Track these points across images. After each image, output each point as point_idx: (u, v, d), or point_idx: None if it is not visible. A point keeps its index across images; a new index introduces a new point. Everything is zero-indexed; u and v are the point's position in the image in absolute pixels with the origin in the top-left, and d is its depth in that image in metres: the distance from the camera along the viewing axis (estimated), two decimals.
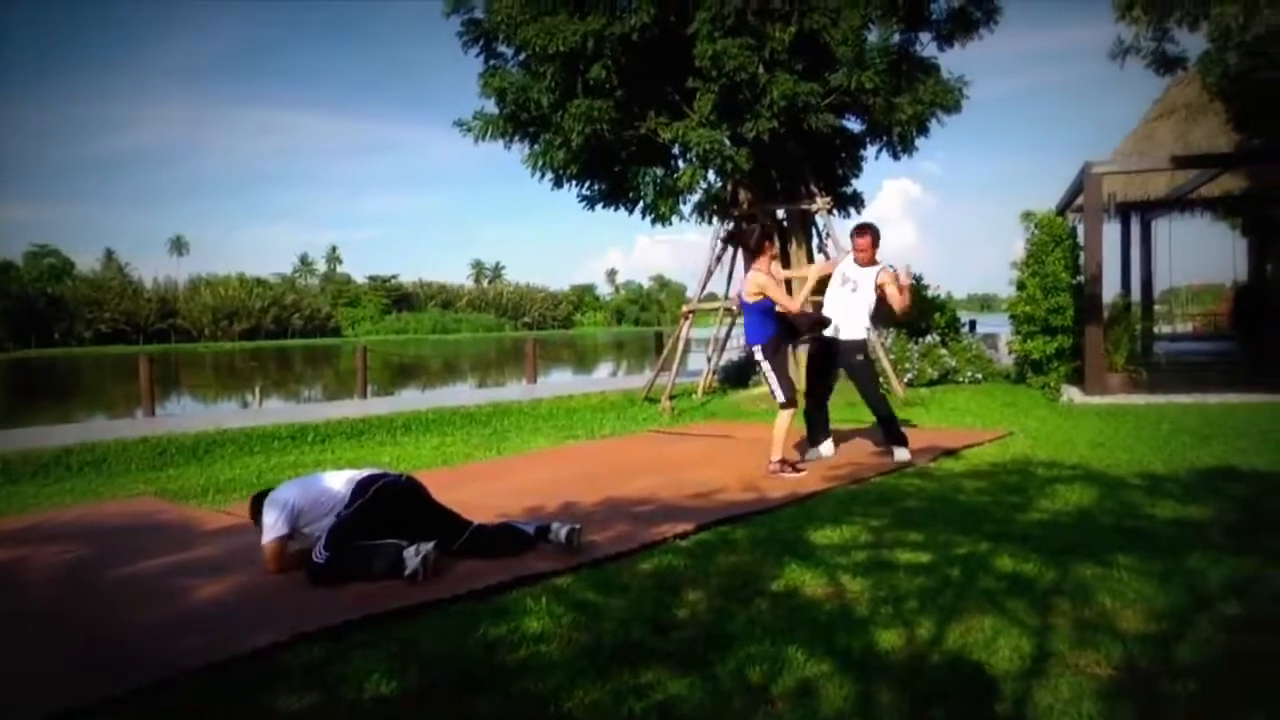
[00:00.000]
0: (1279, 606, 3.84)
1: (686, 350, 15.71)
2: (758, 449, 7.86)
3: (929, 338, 16.14)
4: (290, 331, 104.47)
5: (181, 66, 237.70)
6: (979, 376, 15.62)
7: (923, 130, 14.45)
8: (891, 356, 14.68)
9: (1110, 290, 15.76)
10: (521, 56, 13.70)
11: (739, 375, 16.24)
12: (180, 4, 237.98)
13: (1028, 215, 14.36)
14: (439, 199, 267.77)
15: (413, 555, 4.46)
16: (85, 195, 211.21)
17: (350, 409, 13.54)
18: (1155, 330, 22.05)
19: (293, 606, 4.16)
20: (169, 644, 3.74)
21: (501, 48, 14.07)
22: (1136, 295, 19.78)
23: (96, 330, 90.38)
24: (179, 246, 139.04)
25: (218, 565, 5.03)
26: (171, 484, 8.16)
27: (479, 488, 7.14)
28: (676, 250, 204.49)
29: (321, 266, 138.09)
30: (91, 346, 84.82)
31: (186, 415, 17.11)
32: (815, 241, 15.62)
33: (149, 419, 14.09)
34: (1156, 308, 23.77)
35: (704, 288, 15.61)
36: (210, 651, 3.55)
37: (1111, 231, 18.65)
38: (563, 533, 4.88)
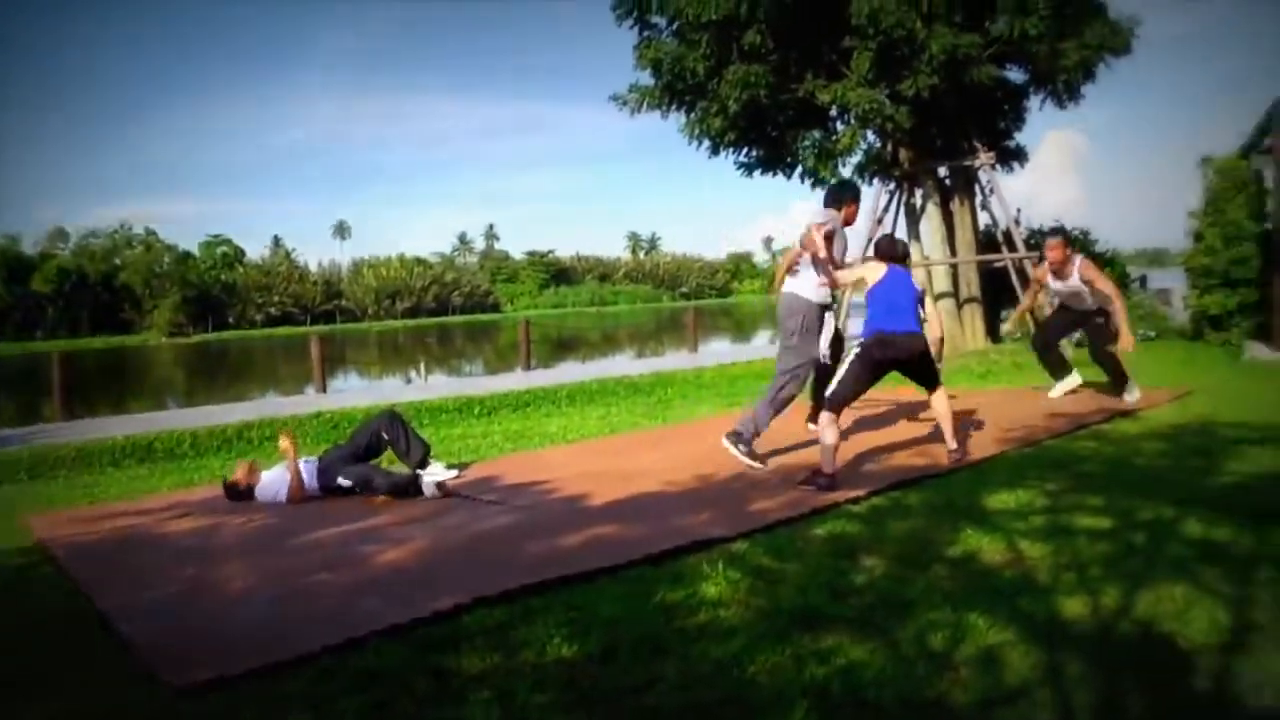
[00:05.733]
0: None
1: (849, 315, 15.53)
2: (929, 411, 7.71)
3: None
4: (451, 309, 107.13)
5: (333, 63, 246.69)
6: (1151, 334, 14.94)
7: (1089, 76, 13.93)
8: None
9: None
10: (675, 26, 13.74)
11: None
12: (329, 2, 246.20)
13: (1206, 161, 13.64)
14: (593, 174, 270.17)
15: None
16: (252, 190, 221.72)
17: (514, 381, 13.88)
18: None
19: (470, 571, 4.31)
20: (354, 605, 3.93)
21: (655, 18, 14.12)
22: None
23: (267, 313, 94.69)
24: (341, 231, 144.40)
25: (394, 532, 5.27)
26: None
27: (646, 456, 7.25)
28: None
29: (480, 244, 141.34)
30: (263, 329, 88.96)
31: (355, 391, 17.84)
32: (979, 199, 15.22)
33: (321, 395, 14.74)
34: None
35: (866, 250, 15.38)
36: (393, 613, 3.69)
37: None
38: (433, 484, 6.13)
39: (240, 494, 6.48)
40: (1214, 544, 4.07)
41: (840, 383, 6.10)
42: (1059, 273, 8.65)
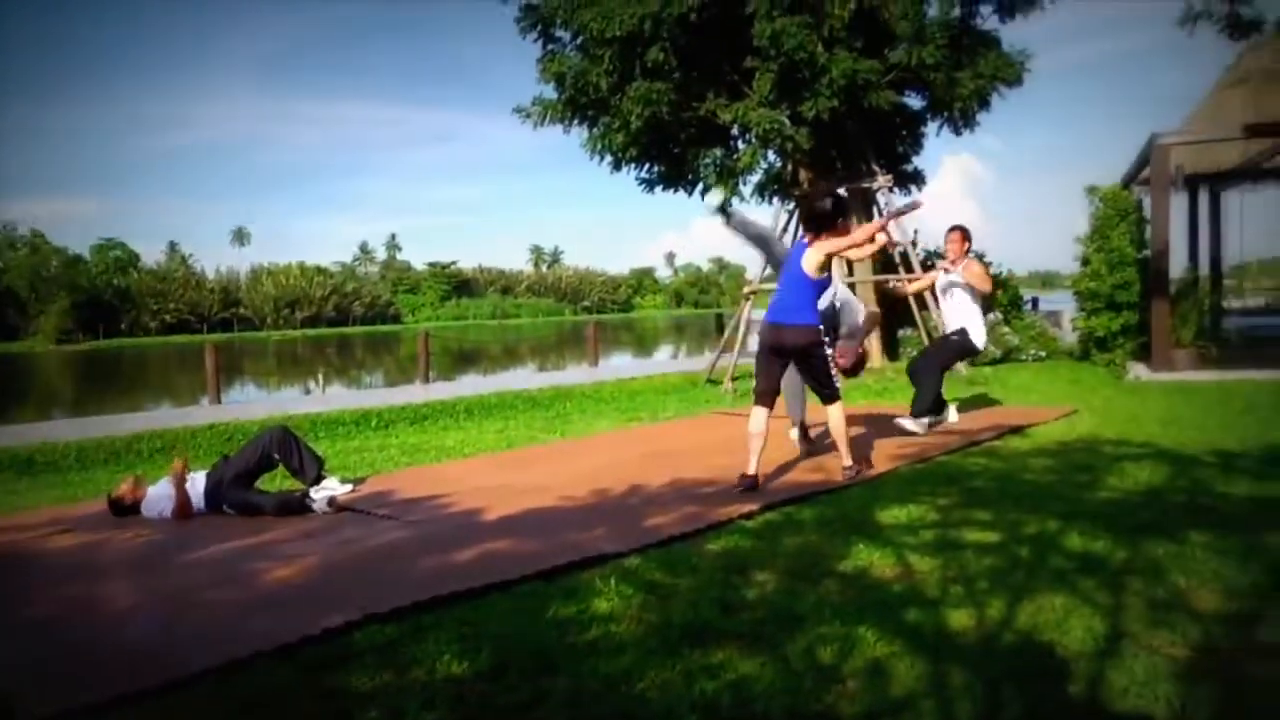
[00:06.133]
0: None
1: (748, 332, 15.68)
2: (821, 429, 7.82)
3: (991, 316, 15.94)
4: (351, 319, 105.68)
5: (240, 63, 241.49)
6: (1042, 354, 15.42)
7: (984, 105, 14.32)
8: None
9: (1178, 265, 15.46)
10: (579, 41, 13.77)
11: None
12: (237, 2, 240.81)
13: (1092, 189, 14.11)
14: (497, 186, 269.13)
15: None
16: (150, 190, 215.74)
17: (413, 394, 13.71)
18: (1225, 305, 21.56)
19: (362, 588, 4.22)
20: (240, 624, 3.81)
21: (559, 32, 14.15)
22: (1205, 270, 19.33)
23: (162, 321, 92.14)
24: (241, 237, 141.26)
25: (284, 548, 5.14)
26: None
27: (543, 470, 7.21)
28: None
29: (381, 254, 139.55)
30: (157, 337, 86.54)
31: (251, 402, 17.44)
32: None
33: (215, 406, 14.37)
34: (1226, 282, 23.22)
35: (765, 268, 15.55)
36: (281, 632, 3.60)
37: (1179, 204, 18.23)
38: (324, 501, 6.02)
39: (125, 509, 6.25)
40: (1093, 556, 4.19)
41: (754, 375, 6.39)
42: (951, 267, 8.49)
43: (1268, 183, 19.89)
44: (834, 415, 6.37)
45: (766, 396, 6.34)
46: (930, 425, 8.10)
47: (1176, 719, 2.69)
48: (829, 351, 6.33)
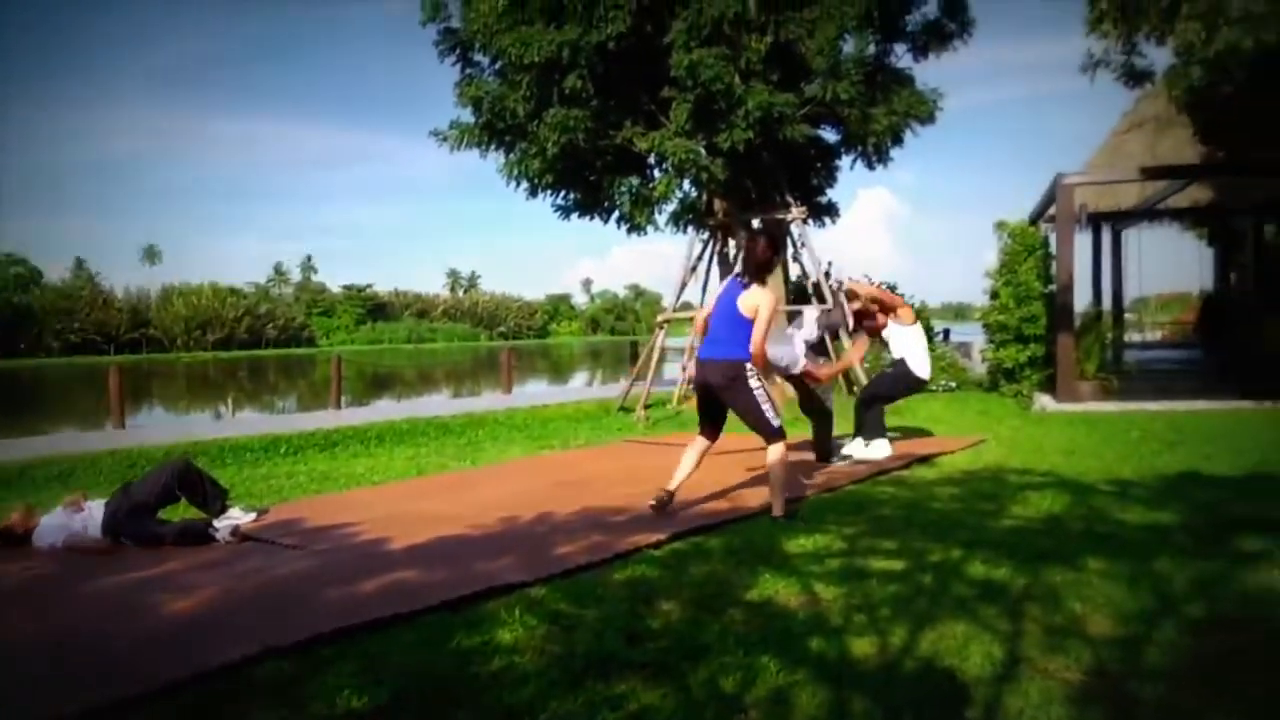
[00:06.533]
0: (1243, 607, 3.89)
1: (662, 359, 15.74)
2: (734, 460, 7.88)
3: None
4: (265, 341, 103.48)
5: (150, 76, 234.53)
6: (953, 385, 15.72)
7: (897, 141, 14.60)
8: (866, 366, 14.75)
9: (1082, 299, 15.95)
10: (498, 65, 13.76)
11: None
12: (148, 12, 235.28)
13: (1001, 225, 14.49)
14: (414, 209, 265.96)
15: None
16: (53, 205, 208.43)
17: (324, 420, 13.48)
18: (1125, 339, 22.25)
19: (262, 620, 4.10)
20: (131, 661, 3.67)
21: (478, 57, 14.13)
22: (1107, 304, 19.96)
23: (66, 340, 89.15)
24: (151, 256, 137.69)
25: (183, 579, 4.97)
26: None
27: (452, 498, 7.12)
28: (651, 260, 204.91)
29: (296, 276, 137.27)
30: (61, 357, 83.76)
31: (157, 426, 17.00)
32: (790, 251, 15.70)
33: (119, 431, 13.96)
34: (1127, 316, 23.95)
35: (679, 297, 15.65)
36: (177, 667, 3.48)
37: (1083, 241, 18.81)
38: (228, 530, 5.89)
39: (15, 539, 5.99)
40: (994, 583, 4.27)
41: None
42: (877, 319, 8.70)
43: (1164, 222, 20.68)
44: (772, 455, 6.08)
45: (704, 429, 6.42)
46: (841, 457, 8.25)
47: None
48: (755, 384, 6.09)
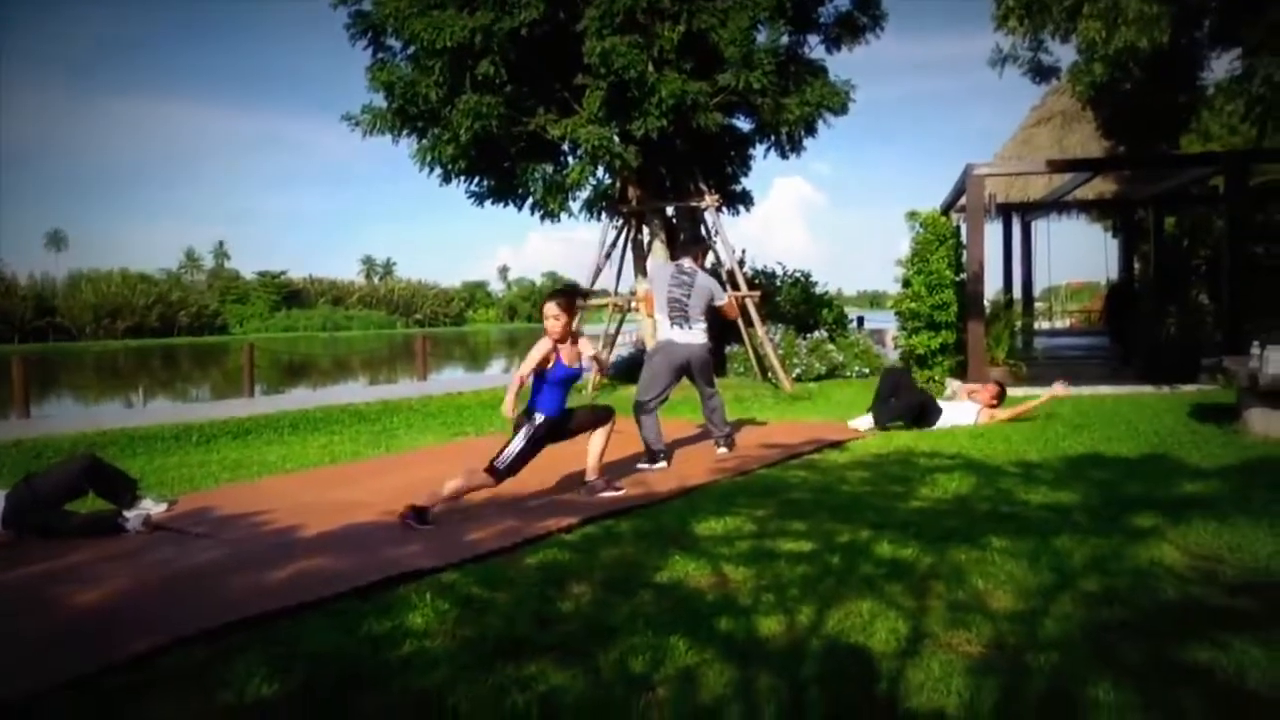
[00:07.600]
0: (1135, 580, 4.02)
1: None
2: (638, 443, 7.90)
3: (817, 333, 16.44)
4: (176, 329, 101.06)
5: (54, 56, 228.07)
6: (866, 371, 15.96)
7: (810, 131, 14.75)
8: (780, 352, 14.91)
9: (992, 288, 16.32)
10: (410, 50, 13.58)
11: (629, 371, 16.30)
12: None
13: (913, 214, 14.71)
14: (328, 194, 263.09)
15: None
16: None
17: (237, 408, 13.23)
18: (1035, 326, 22.84)
19: (172, 610, 4.02)
20: (37, 657, 3.57)
21: (390, 41, 13.96)
22: (1018, 293, 20.46)
23: None
24: (57, 242, 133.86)
25: (91, 571, 4.85)
26: None
27: (365, 486, 7.04)
28: (568, 247, 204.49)
29: (209, 262, 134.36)
30: None
31: (65, 416, 16.52)
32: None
33: (23, 420, 13.55)
34: (1036, 305, 24.60)
35: (594, 283, 15.63)
36: (83, 662, 3.40)
37: (993, 231, 19.29)
38: (138, 521, 5.78)
39: None
40: (901, 562, 4.36)
41: None
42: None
43: (1072, 213, 21.26)
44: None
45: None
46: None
47: (966, 710, 2.81)
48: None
